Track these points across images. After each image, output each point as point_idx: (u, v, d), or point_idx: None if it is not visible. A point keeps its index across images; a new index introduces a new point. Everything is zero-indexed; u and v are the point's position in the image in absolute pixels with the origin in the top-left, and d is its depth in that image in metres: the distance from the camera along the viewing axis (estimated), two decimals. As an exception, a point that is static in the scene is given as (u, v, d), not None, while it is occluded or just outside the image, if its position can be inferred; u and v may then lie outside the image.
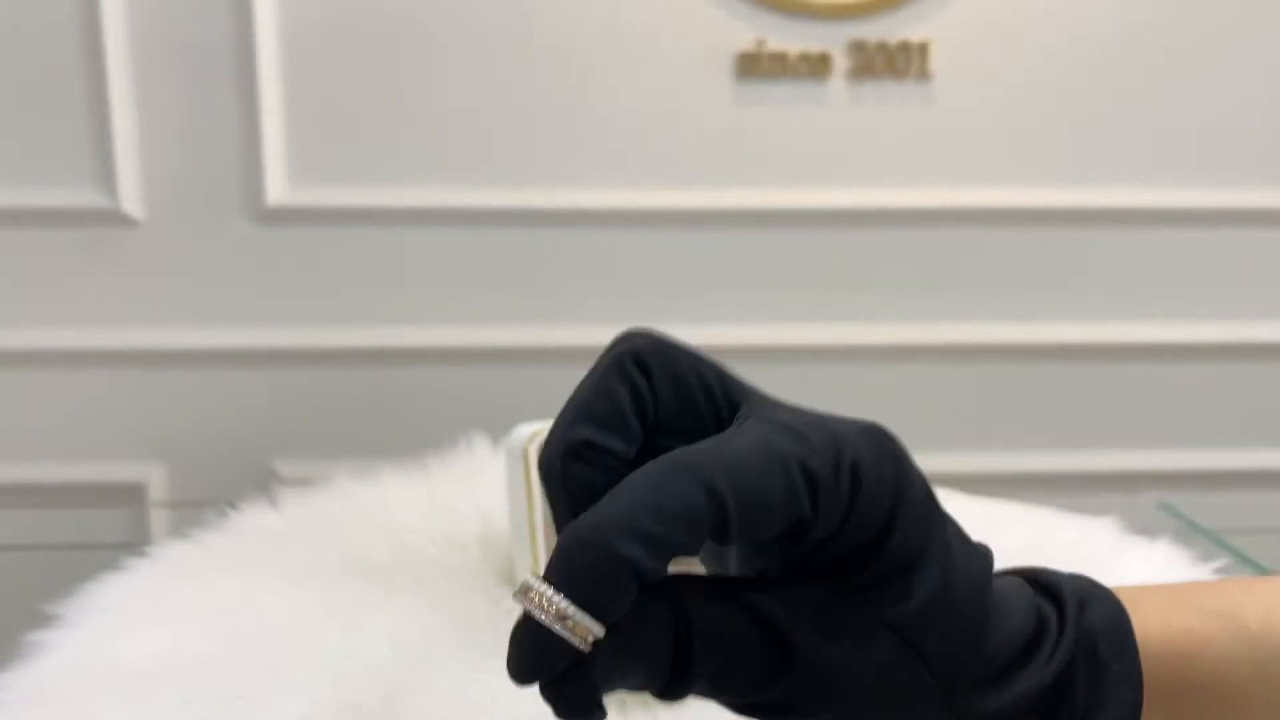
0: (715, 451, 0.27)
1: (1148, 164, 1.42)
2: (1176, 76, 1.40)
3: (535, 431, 0.64)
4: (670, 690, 0.28)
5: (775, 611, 0.28)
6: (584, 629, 0.25)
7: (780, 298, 1.43)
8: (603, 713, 0.27)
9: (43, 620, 0.67)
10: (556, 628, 0.25)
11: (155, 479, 1.43)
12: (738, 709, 0.29)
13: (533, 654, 0.26)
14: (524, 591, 0.26)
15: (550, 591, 0.25)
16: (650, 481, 0.26)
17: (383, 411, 1.44)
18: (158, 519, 1.43)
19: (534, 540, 0.64)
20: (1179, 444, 1.48)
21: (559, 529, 0.28)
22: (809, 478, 0.27)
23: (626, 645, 0.26)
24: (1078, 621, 0.31)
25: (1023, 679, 0.30)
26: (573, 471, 0.28)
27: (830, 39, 1.36)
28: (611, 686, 0.27)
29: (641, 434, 0.30)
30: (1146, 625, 0.32)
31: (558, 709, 0.27)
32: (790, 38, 1.36)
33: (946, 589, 0.29)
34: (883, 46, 1.36)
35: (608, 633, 0.26)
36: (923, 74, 1.37)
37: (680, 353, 0.32)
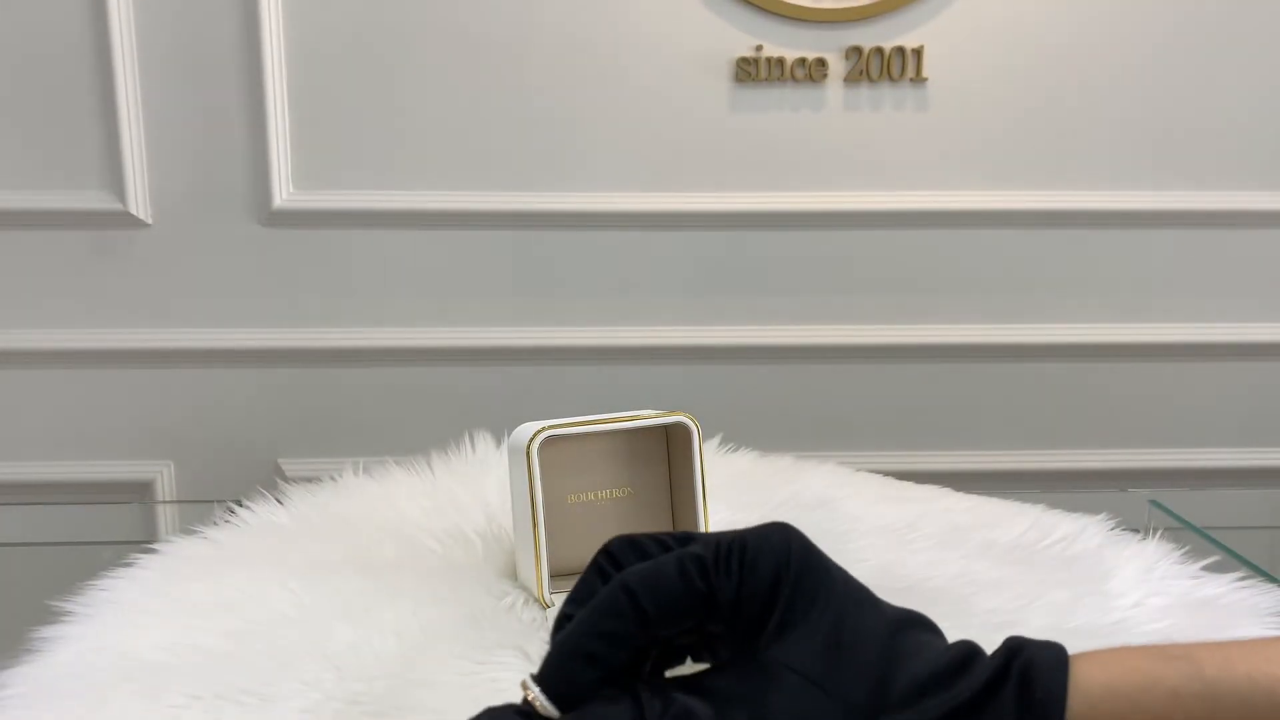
0: (636, 569, 0.37)
1: (1140, 167, 1.43)
2: (1169, 80, 1.40)
3: (538, 430, 0.65)
4: None
5: (707, 677, 0.37)
6: (543, 707, 0.36)
7: (778, 299, 1.44)
8: None
9: (52, 616, 0.68)
10: (533, 704, 0.36)
11: (163, 477, 1.44)
12: None
13: None
14: (523, 687, 0.37)
15: (536, 689, 0.37)
16: (595, 600, 0.37)
17: (387, 410, 1.45)
18: (166, 516, 1.44)
19: (536, 536, 0.65)
20: (1170, 442, 1.49)
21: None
22: (699, 562, 0.36)
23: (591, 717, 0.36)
24: (1008, 657, 0.36)
25: (936, 703, 0.35)
26: (555, 636, 0.39)
27: (826, 44, 1.37)
28: None
29: None
30: (1092, 664, 0.36)
31: None
32: (787, 43, 1.37)
33: (837, 634, 0.36)
34: (878, 51, 1.37)
35: (578, 710, 0.36)
36: (918, 78, 1.38)
37: (647, 538, 0.40)
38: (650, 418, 0.66)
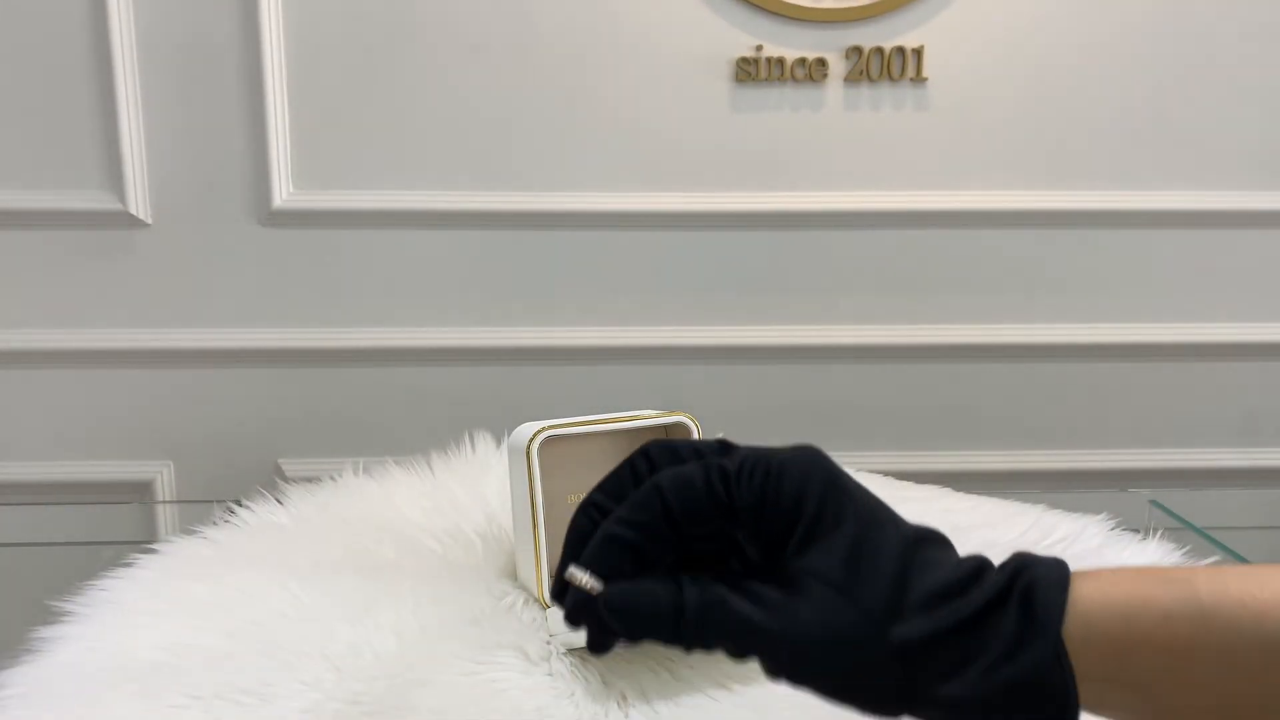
0: (669, 472, 0.40)
1: (1140, 167, 1.43)
2: (1168, 80, 1.40)
3: (538, 430, 0.65)
4: (679, 636, 0.39)
5: (742, 579, 0.40)
6: (588, 582, 0.39)
7: (778, 299, 1.44)
8: (614, 640, 0.41)
9: (53, 616, 0.68)
10: (575, 582, 0.40)
11: (163, 477, 1.45)
12: (733, 653, 0.40)
13: (565, 601, 0.40)
14: (569, 577, 0.40)
15: (574, 568, 0.40)
16: (632, 496, 0.41)
17: (387, 410, 1.45)
18: (166, 516, 1.45)
19: (536, 536, 0.65)
20: (1170, 442, 1.49)
21: (561, 556, 0.42)
22: (723, 473, 0.40)
23: (631, 594, 0.39)
24: (1014, 574, 0.38)
25: (948, 611, 0.38)
26: (578, 521, 0.42)
27: (827, 44, 1.37)
28: (628, 625, 0.39)
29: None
30: (1092, 584, 0.38)
31: (589, 640, 0.41)
32: (787, 43, 1.37)
33: (859, 548, 0.39)
34: (878, 51, 1.37)
35: (619, 583, 0.39)
36: (918, 78, 1.38)
37: (683, 443, 0.43)
38: (650, 418, 0.66)
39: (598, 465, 0.68)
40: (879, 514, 0.40)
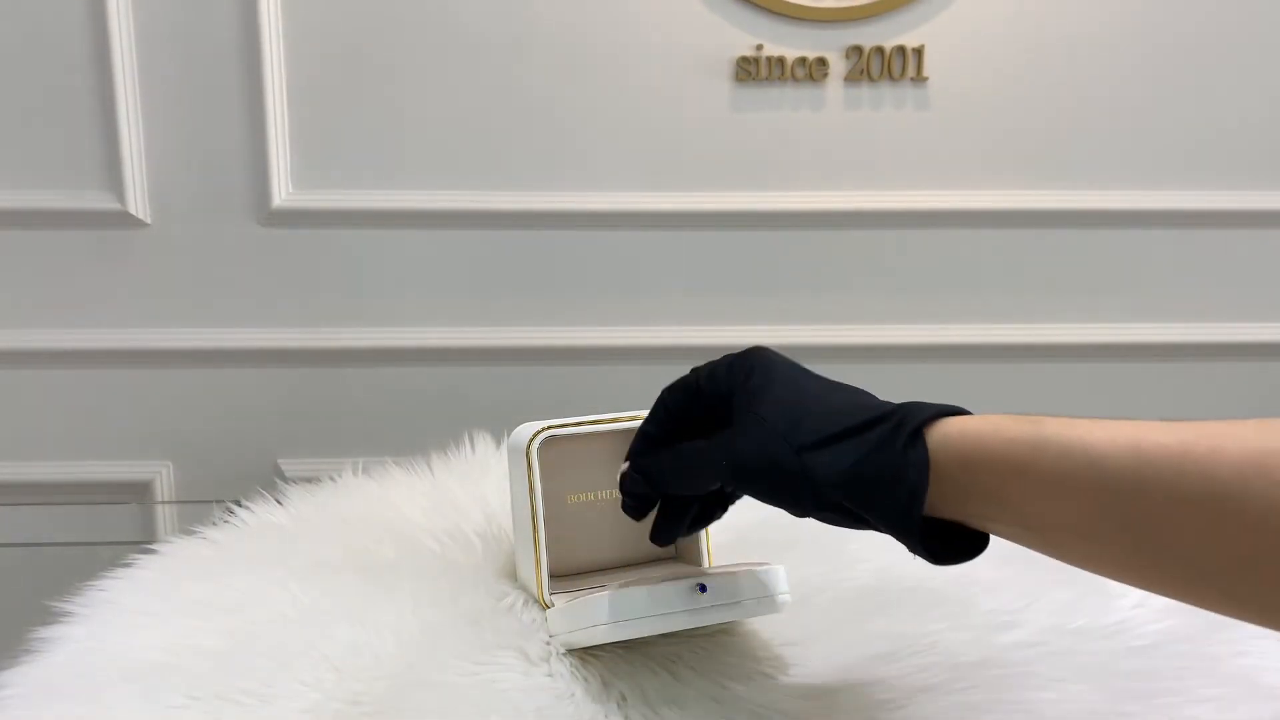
0: (669, 386, 0.60)
1: (1141, 166, 1.43)
2: (1169, 79, 1.40)
3: (538, 431, 0.64)
4: (673, 472, 0.59)
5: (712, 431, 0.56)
6: (624, 467, 0.60)
7: (778, 299, 1.44)
8: (651, 505, 0.61)
9: (52, 617, 0.68)
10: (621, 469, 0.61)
11: (163, 477, 1.45)
12: (707, 473, 0.56)
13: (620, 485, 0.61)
14: (621, 473, 0.60)
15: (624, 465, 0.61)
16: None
17: (386, 410, 1.45)
18: (165, 516, 1.45)
19: (536, 537, 0.65)
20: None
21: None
22: (696, 376, 0.58)
23: (644, 455, 0.60)
24: (900, 408, 0.50)
25: (848, 448, 0.49)
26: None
27: (827, 44, 1.37)
28: (643, 471, 0.59)
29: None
30: (958, 417, 0.49)
31: (654, 527, 0.62)
32: (788, 42, 1.37)
33: (785, 397, 0.54)
34: (878, 51, 1.37)
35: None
36: (918, 78, 1.38)
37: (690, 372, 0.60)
38: None
39: (597, 465, 0.68)
40: (802, 375, 0.56)
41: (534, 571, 0.65)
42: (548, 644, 0.63)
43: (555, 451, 0.65)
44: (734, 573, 0.59)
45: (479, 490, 0.86)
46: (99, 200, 1.36)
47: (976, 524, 0.48)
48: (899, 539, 0.49)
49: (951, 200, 1.42)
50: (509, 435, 0.69)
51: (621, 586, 0.57)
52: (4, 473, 1.43)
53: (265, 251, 1.40)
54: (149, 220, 1.38)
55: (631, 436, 0.61)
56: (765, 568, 0.59)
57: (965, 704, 0.57)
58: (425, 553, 0.75)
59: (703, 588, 0.57)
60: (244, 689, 0.58)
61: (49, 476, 1.43)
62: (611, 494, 0.69)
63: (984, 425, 0.47)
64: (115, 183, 1.36)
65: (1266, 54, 1.41)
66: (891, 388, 1.51)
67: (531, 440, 0.64)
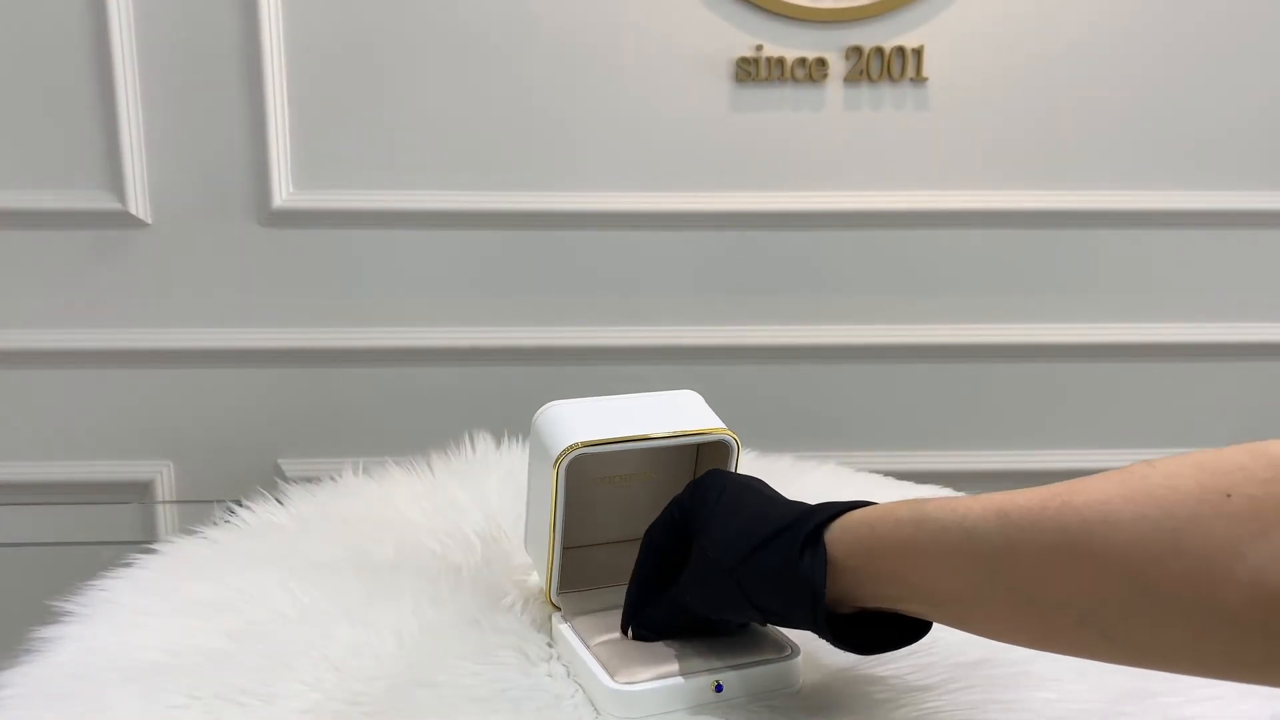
0: (652, 523, 0.62)
1: (1140, 167, 1.43)
2: (1168, 79, 1.41)
3: (570, 446, 0.62)
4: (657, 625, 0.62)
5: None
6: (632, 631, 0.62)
7: (777, 299, 1.44)
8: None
9: (52, 616, 0.68)
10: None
11: (163, 477, 1.45)
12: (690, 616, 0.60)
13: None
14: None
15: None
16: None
17: (387, 410, 1.45)
18: (166, 516, 1.45)
19: (553, 541, 0.64)
20: (1170, 442, 1.49)
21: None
22: (675, 508, 0.61)
23: (641, 618, 0.62)
24: (809, 518, 0.52)
25: (766, 556, 0.53)
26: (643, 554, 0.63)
27: (827, 44, 1.37)
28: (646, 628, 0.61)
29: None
30: (859, 510, 0.52)
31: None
32: (788, 43, 1.37)
33: (719, 530, 0.56)
34: (878, 51, 1.37)
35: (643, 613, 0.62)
36: (918, 78, 1.38)
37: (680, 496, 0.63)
38: (689, 434, 0.65)
39: (624, 473, 0.68)
40: (743, 498, 0.57)
41: (544, 565, 0.65)
42: (548, 644, 0.64)
43: (583, 459, 0.64)
44: (753, 667, 0.58)
45: (479, 490, 0.86)
46: (99, 200, 1.37)
47: (890, 606, 0.51)
48: (821, 637, 0.53)
49: (951, 200, 1.42)
50: (533, 417, 0.67)
51: (638, 683, 0.57)
52: (4, 473, 1.43)
53: (265, 251, 1.40)
54: (149, 220, 1.38)
55: (665, 451, 0.64)
56: (784, 662, 0.59)
57: (963, 703, 0.57)
58: (425, 553, 0.75)
59: (719, 687, 0.58)
60: (244, 689, 0.58)
61: (49, 476, 1.43)
62: (631, 476, 0.69)
63: (875, 513, 0.51)
64: (115, 183, 1.36)
65: (1266, 54, 1.41)
66: (892, 388, 1.51)
67: (561, 458, 0.62)
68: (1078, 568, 0.43)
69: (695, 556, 0.57)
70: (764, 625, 0.60)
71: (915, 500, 0.50)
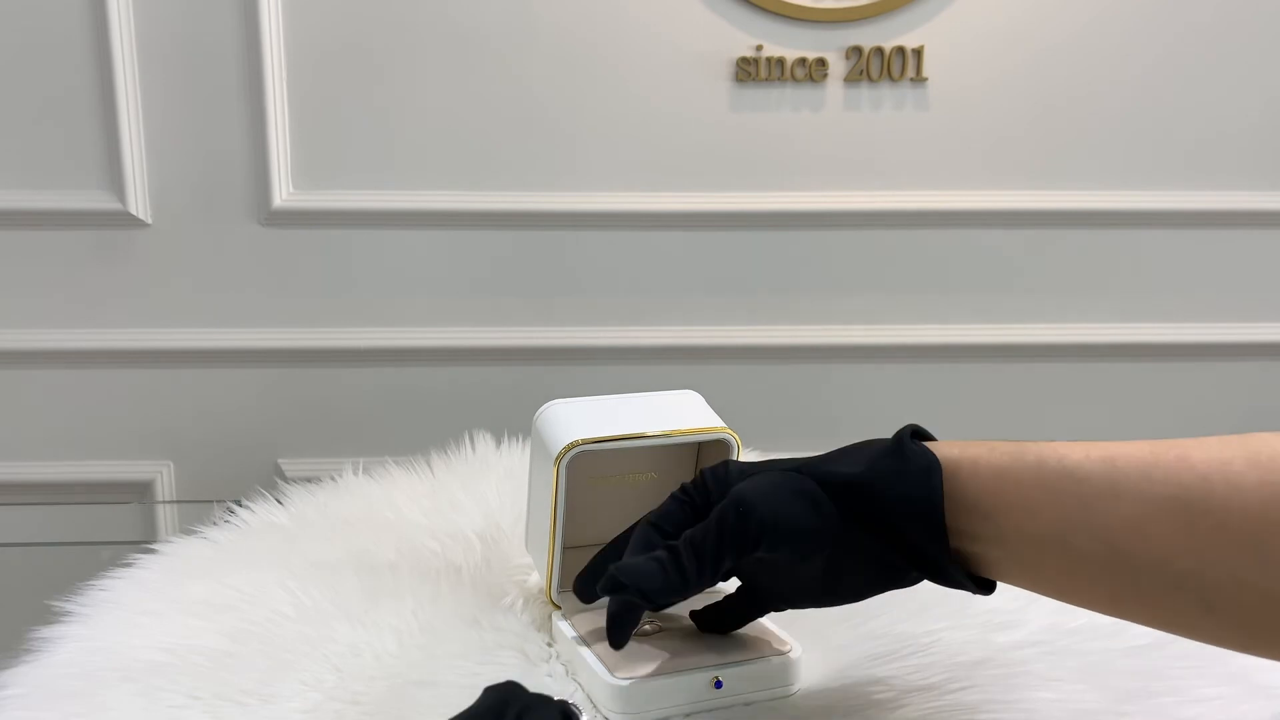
0: (648, 516, 0.57)
1: (1141, 166, 1.43)
2: (1168, 79, 1.41)
3: (570, 443, 0.63)
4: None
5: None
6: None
7: (778, 299, 1.44)
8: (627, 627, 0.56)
9: (52, 616, 0.68)
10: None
11: (163, 477, 1.45)
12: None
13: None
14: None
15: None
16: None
17: (387, 410, 1.45)
18: (166, 516, 1.45)
19: (554, 540, 0.64)
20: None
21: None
22: (675, 501, 0.57)
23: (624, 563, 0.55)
24: (898, 440, 0.51)
25: (850, 461, 0.52)
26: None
27: (827, 44, 1.37)
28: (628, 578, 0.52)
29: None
30: (954, 441, 0.50)
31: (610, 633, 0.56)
32: (788, 43, 1.37)
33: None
34: (878, 51, 1.37)
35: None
36: (918, 78, 1.38)
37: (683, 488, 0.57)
38: (689, 433, 0.65)
39: (625, 472, 0.68)
40: (765, 465, 0.56)
41: (545, 564, 0.65)
42: (548, 644, 0.64)
43: (583, 458, 0.64)
44: (752, 663, 0.58)
45: (479, 490, 0.86)
46: (99, 200, 1.37)
47: (966, 548, 0.48)
48: (925, 550, 0.48)
49: (951, 200, 1.42)
50: (535, 414, 0.67)
51: (638, 678, 0.57)
52: (4, 473, 1.43)
53: (265, 251, 1.40)
54: (149, 220, 1.38)
55: (667, 453, 0.64)
56: (783, 659, 0.59)
57: (964, 704, 0.57)
58: (425, 553, 0.75)
59: (719, 684, 0.57)
60: (244, 689, 0.58)
61: (49, 476, 1.43)
62: (635, 477, 0.69)
63: (969, 442, 0.49)
64: (115, 183, 1.36)
65: (1266, 54, 1.41)
66: (892, 388, 1.51)
67: (561, 456, 0.62)
68: (1190, 527, 0.40)
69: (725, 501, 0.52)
70: (808, 556, 0.51)
71: (1018, 441, 0.48)
